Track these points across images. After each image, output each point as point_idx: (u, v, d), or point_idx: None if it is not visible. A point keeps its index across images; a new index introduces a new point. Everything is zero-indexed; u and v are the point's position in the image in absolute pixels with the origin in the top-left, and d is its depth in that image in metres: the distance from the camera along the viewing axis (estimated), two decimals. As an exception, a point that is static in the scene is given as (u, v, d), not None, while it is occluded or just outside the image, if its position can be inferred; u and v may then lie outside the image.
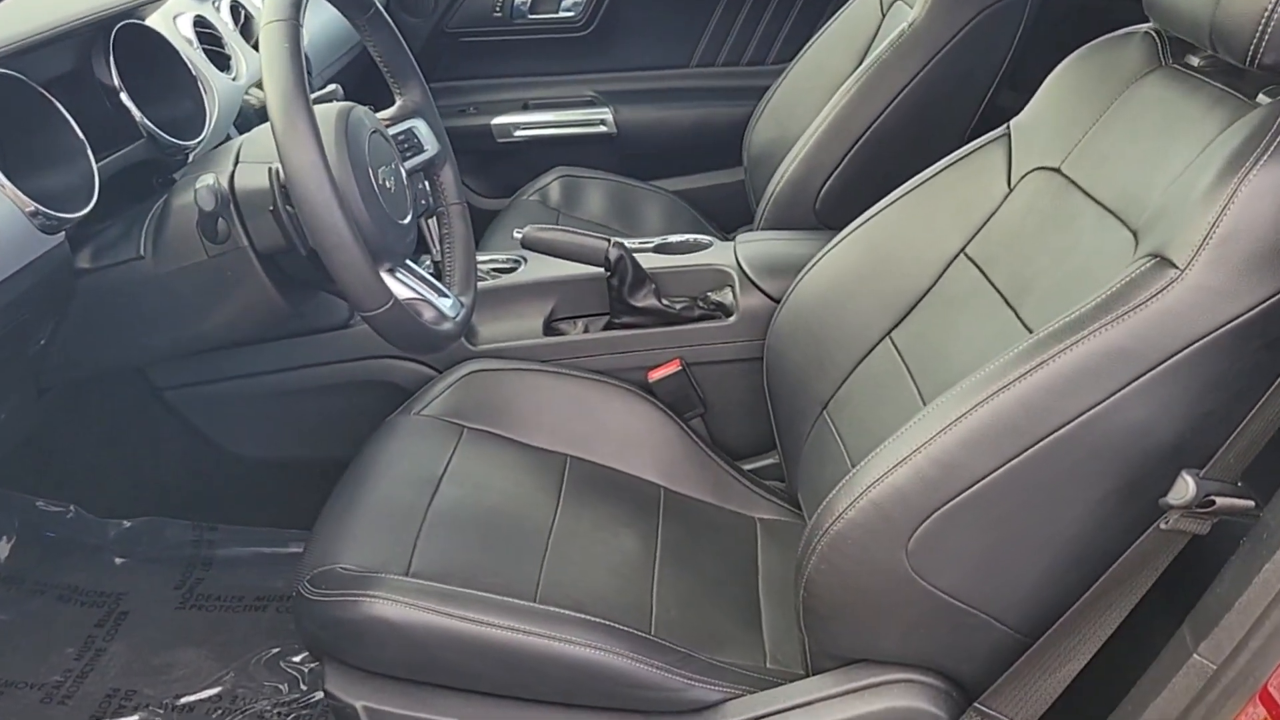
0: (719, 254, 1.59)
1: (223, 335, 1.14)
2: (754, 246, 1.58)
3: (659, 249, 1.67)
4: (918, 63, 1.60)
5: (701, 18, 2.35)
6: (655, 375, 1.52)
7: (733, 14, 2.34)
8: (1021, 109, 1.26)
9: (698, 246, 1.65)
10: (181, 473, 1.57)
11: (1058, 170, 1.18)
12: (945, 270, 1.26)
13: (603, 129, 2.36)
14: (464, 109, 2.40)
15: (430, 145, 1.26)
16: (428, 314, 1.13)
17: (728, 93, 2.39)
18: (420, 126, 1.25)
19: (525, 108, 2.39)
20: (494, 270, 1.64)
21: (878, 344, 1.32)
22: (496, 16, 2.31)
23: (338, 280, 0.97)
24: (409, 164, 1.22)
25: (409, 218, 1.13)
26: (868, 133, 1.63)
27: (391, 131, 1.22)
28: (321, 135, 1.01)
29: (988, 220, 1.24)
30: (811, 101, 2.06)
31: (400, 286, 1.13)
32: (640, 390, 1.50)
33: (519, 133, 2.37)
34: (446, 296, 1.18)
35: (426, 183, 1.29)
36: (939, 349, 1.24)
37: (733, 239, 1.72)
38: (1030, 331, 1.05)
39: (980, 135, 1.29)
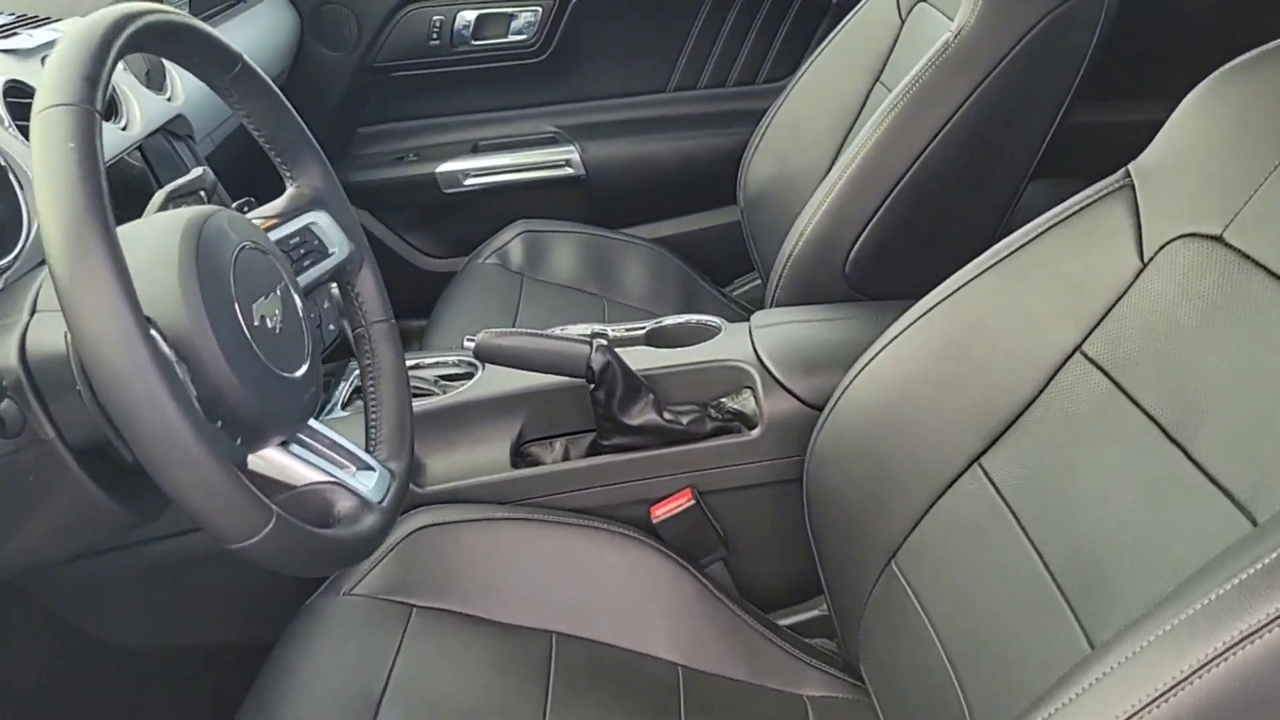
0: (732, 344, 1.26)
1: (33, 557, 0.80)
2: (776, 333, 1.25)
3: (653, 337, 1.34)
4: (969, 81, 1.28)
5: (677, 34, 2.03)
6: (661, 511, 1.19)
7: (714, 28, 2.02)
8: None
9: (703, 333, 1.33)
10: (47, 675, 1.23)
11: (1219, 239, 0.86)
12: (1055, 374, 0.94)
13: (568, 171, 2.04)
14: (402, 156, 2.06)
15: (338, 245, 0.93)
16: (342, 504, 0.80)
17: (714, 120, 2.06)
18: (322, 221, 0.92)
19: (475, 150, 2.06)
20: (443, 380, 1.31)
21: (963, 473, 1.00)
22: (433, 45, 1.99)
23: (180, 505, 0.64)
24: (307, 277, 0.89)
25: (305, 364, 0.80)
26: (909, 174, 1.31)
27: (281, 234, 0.89)
28: (152, 266, 0.69)
29: (1113, 306, 0.92)
30: (818, 129, 1.74)
31: (297, 465, 0.80)
32: (641, 533, 1.18)
33: (469, 181, 2.04)
34: (370, 469, 0.86)
35: (337, 296, 0.96)
36: (1058, 490, 0.91)
37: (745, 315, 1.41)
38: (1236, 504, 0.72)
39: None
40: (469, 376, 1.27)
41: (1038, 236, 0.96)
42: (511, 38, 1.99)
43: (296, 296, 0.82)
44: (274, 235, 0.88)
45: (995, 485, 0.97)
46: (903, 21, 1.66)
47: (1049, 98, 1.30)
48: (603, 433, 1.18)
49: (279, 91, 0.89)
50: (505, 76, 2.04)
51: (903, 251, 1.36)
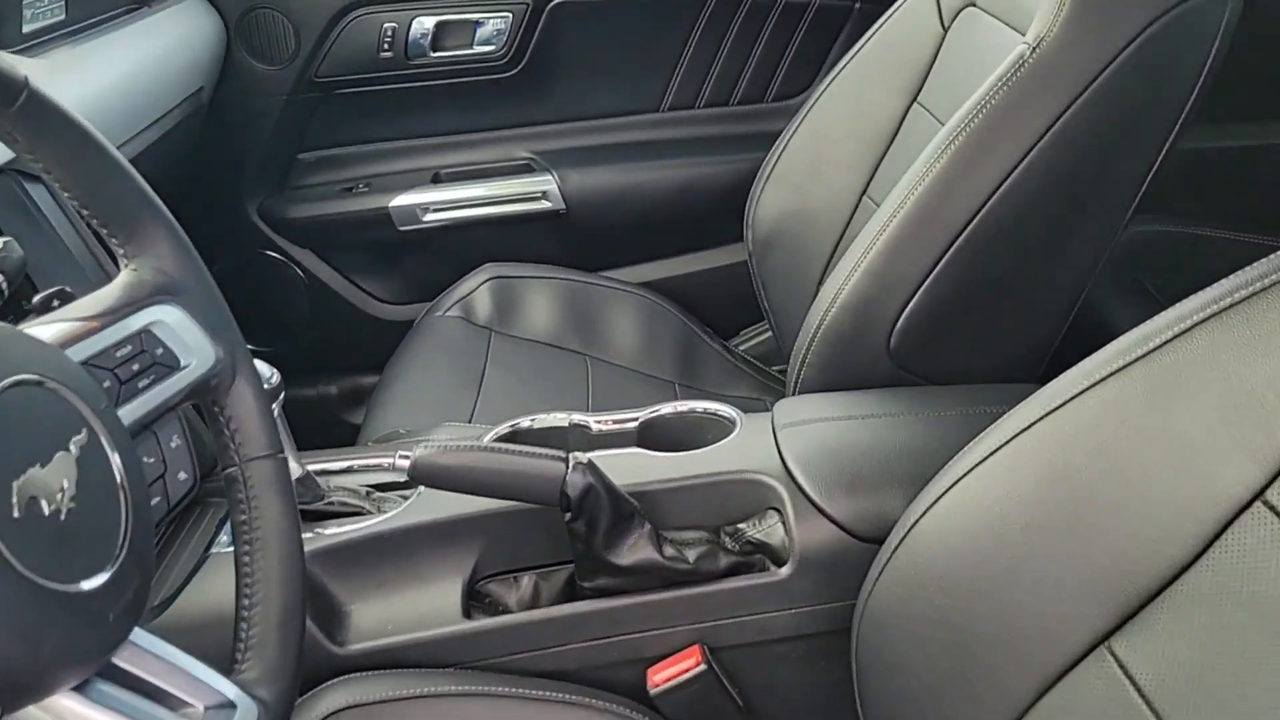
0: (751, 448, 0.97)
1: None
2: (809, 434, 0.96)
3: (648, 433, 1.06)
4: (1052, 106, 1.01)
5: (673, 44, 1.75)
6: (660, 677, 0.90)
7: (715, 38, 1.74)
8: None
9: (712, 428, 1.06)
10: None
11: None
12: (1225, 529, 0.67)
13: (545, 204, 1.75)
14: (351, 187, 1.78)
15: (196, 353, 0.65)
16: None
17: (716, 145, 1.79)
18: (171, 319, 0.64)
19: (436, 181, 1.77)
20: (377, 490, 1.04)
21: (1083, 658, 0.72)
22: (385, 57, 1.71)
23: None
24: (142, 405, 0.61)
25: (110, 567, 0.53)
26: (973, 222, 1.04)
27: (104, 343, 0.61)
28: None
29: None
30: (842, 157, 1.48)
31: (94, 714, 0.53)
32: (636, 706, 0.91)
33: (429, 216, 1.76)
34: (227, 705, 0.58)
35: (185, 432, 0.69)
36: (1227, 692, 0.65)
37: (765, 401, 1.15)
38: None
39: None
40: (411, 486, 1.00)
41: (1195, 326, 0.70)
42: (477, 49, 1.71)
43: (111, 450, 0.55)
44: (93, 346, 0.60)
45: (1132, 679, 0.69)
46: (945, 30, 1.40)
47: (1154, 123, 1.04)
48: (583, 573, 0.91)
49: (92, 129, 0.61)
50: (470, 94, 1.77)
51: (964, 320, 1.09)
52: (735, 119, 1.79)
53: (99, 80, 1.33)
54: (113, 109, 1.35)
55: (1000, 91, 1.02)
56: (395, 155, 1.80)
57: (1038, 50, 1.01)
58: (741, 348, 1.74)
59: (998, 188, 1.03)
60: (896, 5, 1.46)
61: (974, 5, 1.34)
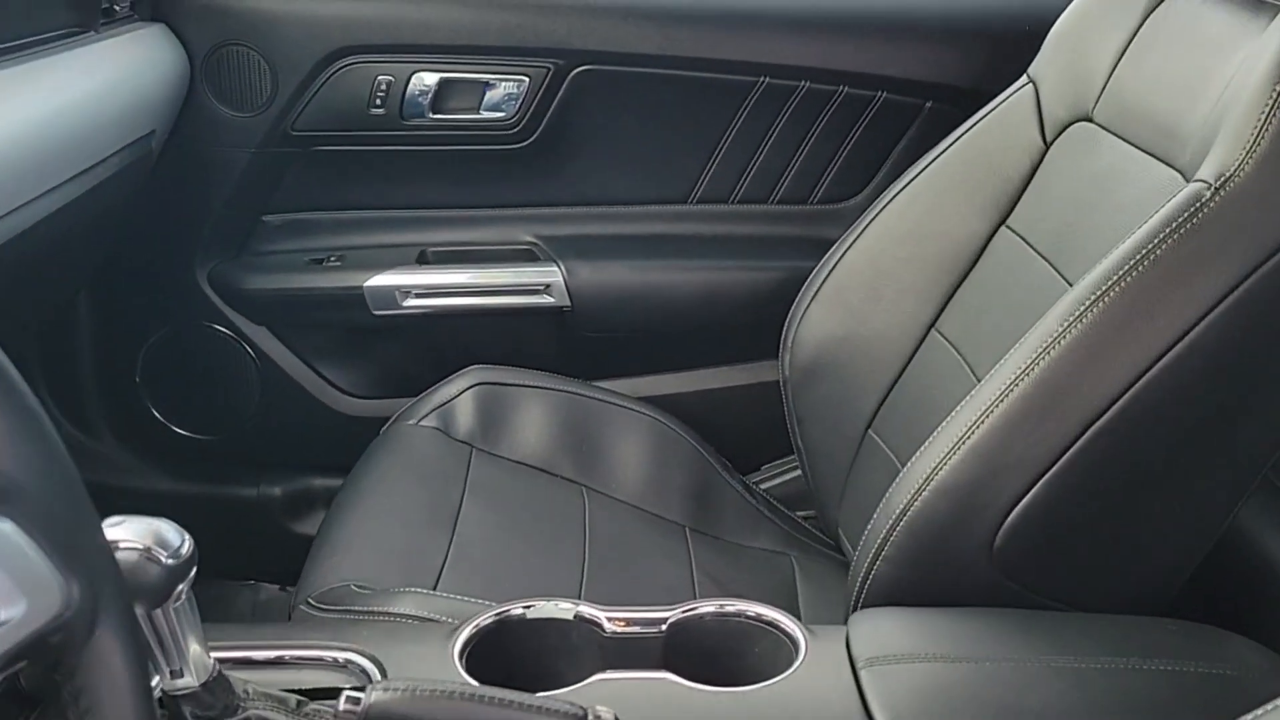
0: (821, 688, 0.71)
1: None
2: (903, 680, 0.71)
3: (678, 642, 0.82)
4: (1239, 263, 0.77)
5: (711, 127, 1.54)
6: None
7: (761, 124, 1.53)
8: None
9: (760, 638, 0.82)
10: None
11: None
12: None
13: (547, 299, 1.51)
14: (321, 259, 1.54)
15: (28, 593, 0.41)
16: None
17: (750, 247, 1.57)
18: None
19: (422, 261, 1.53)
20: (308, 705, 0.79)
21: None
22: (376, 114, 1.47)
23: None
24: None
25: None
26: (1121, 401, 0.80)
27: None
28: None
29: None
30: (909, 280, 1.26)
31: None
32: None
33: (410, 302, 1.51)
34: None
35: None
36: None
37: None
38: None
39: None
40: (360, 691, 0.75)
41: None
42: (485, 114, 1.49)
43: None
44: None
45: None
46: (1048, 145, 1.19)
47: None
48: None
49: None
50: (471, 164, 1.54)
51: (1093, 525, 0.85)
52: (774, 220, 1.57)
53: (21, 114, 1.10)
54: (36, 150, 1.11)
55: (1168, 242, 0.80)
56: (377, 226, 1.56)
57: (1222, 192, 0.79)
58: (764, 486, 1.50)
59: (1156, 361, 0.80)
60: (986, 110, 1.26)
61: (1089, 120, 1.14)
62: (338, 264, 1.54)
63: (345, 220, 1.57)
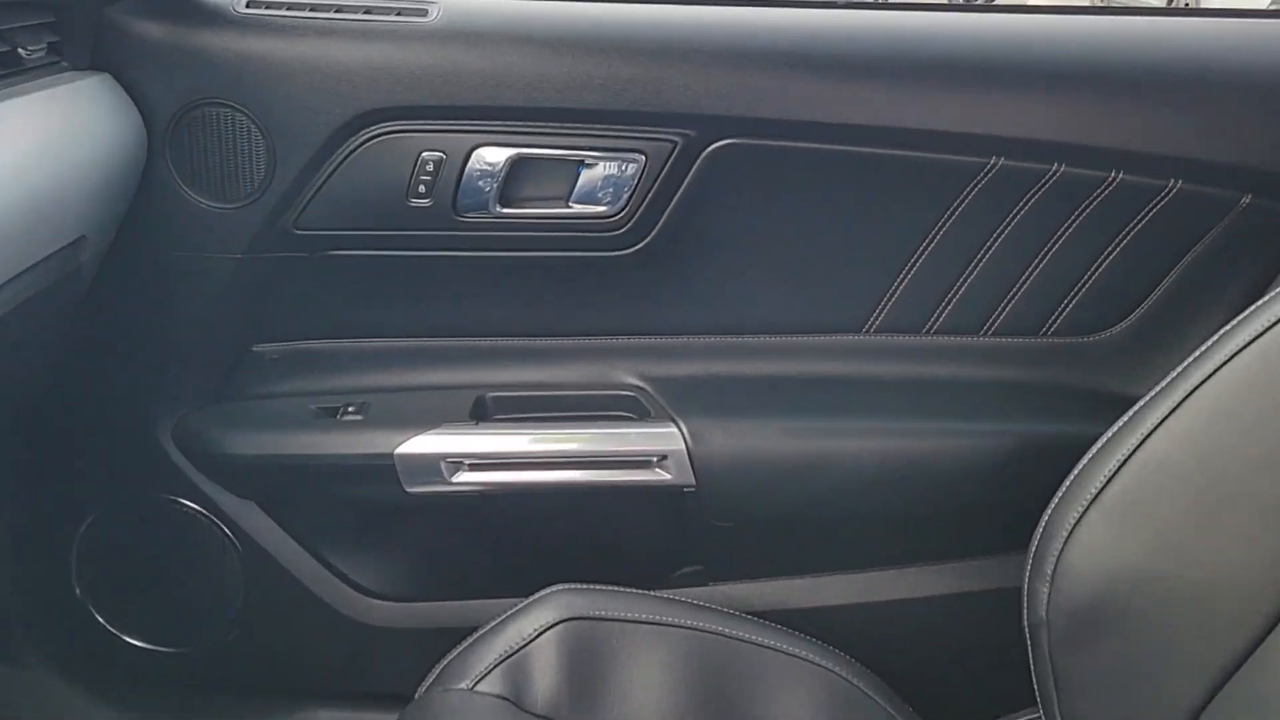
0: None
1: None
2: None
3: None
4: None
5: (905, 228, 1.08)
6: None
7: (982, 222, 1.06)
8: None
9: None
10: None
11: None
12: None
13: (661, 475, 1.04)
14: (335, 408, 1.09)
15: None
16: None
17: (960, 397, 1.10)
18: None
19: (480, 415, 1.09)
20: None
21: None
22: (419, 207, 1.02)
23: None
24: None
25: None
26: None
27: None
28: None
29: None
30: (1267, 492, 0.82)
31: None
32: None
33: (463, 477, 1.04)
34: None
35: None
36: None
37: None
38: None
39: None
40: None
41: None
42: (577, 207, 1.03)
43: None
44: None
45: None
46: None
47: None
48: None
49: None
50: (556, 277, 1.10)
51: None
52: (995, 359, 1.10)
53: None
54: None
55: None
56: (416, 362, 1.12)
57: None
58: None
59: None
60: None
61: None
62: (358, 417, 1.09)
63: (370, 353, 1.12)
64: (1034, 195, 1.04)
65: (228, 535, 1.14)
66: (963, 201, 1.05)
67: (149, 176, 1.01)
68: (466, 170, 1.02)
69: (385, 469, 1.07)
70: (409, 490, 1.07)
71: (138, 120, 0.99)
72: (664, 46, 1.01)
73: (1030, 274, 1.07)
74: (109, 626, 1.18)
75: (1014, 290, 1.08)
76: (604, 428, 1.08)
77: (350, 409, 1.10)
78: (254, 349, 1.12)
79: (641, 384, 1.11)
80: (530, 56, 1.01)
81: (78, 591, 1.16)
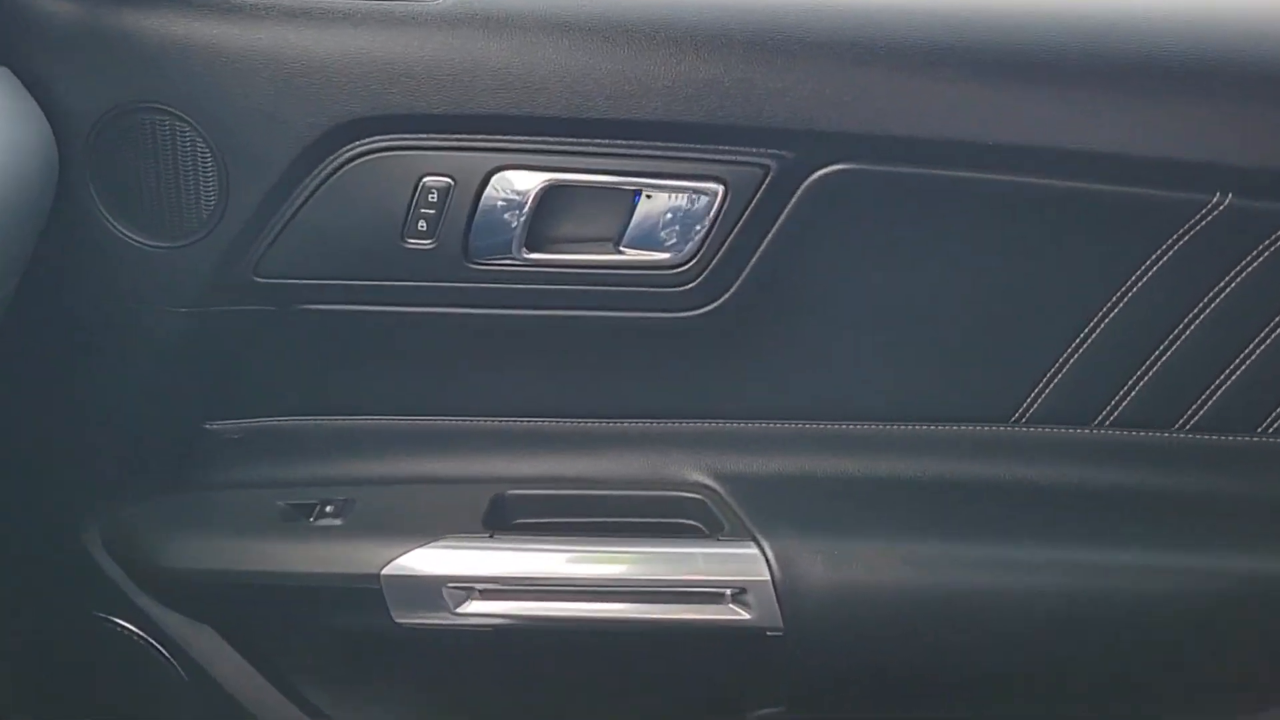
0: None
1: None
2: None
3: None
4: None
5: (1076, 285, 0.78)
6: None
7: (1186, 279, 0.77)
8: None
9: None
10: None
11: None
12: None
13: (737, 614, 0.77)
14: (309, 509, 0.83)
15: None
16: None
17: (1157, 511, 0.80)
18: None
19: (497, 521, 0.82)
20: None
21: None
22: (418, 249, 0.75)
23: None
24: None
25: None
26: None
27: None
28: None
29: None
30: None
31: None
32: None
33: (474, 607, 0.78)
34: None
35: None
36: None
37: None
38: None
39: None
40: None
41: None
42: (630, 253, 0.77)
43: None
44: None
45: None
46: None
47: None
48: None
49: None
50: (600, 343, 0.83)
51: None
52: (1209, 461, 0.80)
53: None
54: None
55: None
56: (412, 447, 0.86)
57: None
58: None
59: None
60: None
61: None
62: (336, 521, 0.82)
63: (355, 434, 0.86)
64: (1269, 248, 0.77)
65: (172, 664, 0.90)
66: (1167, 253, 0.76)
67: (64, 205, 0.76)
68: (483, 201, 0.75)
69: (369, 594, 0.81)
70: (399, 622, 0.83)
71: (46, 130, 0.74)
72: (754, 37, 0.74)
73: (1254, 350, 0.79)
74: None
75: (1230, 371, 0.80)
76: (660, 545, 0.81)
77: (329, 509, 0.85)
78: (208, 427, 0.87)
79: (711, 484, 0.84)
80: (571, 50, 0.74)
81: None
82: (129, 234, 0.78)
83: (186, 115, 0.75)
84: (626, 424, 0.86)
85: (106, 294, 0.80)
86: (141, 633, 0.88)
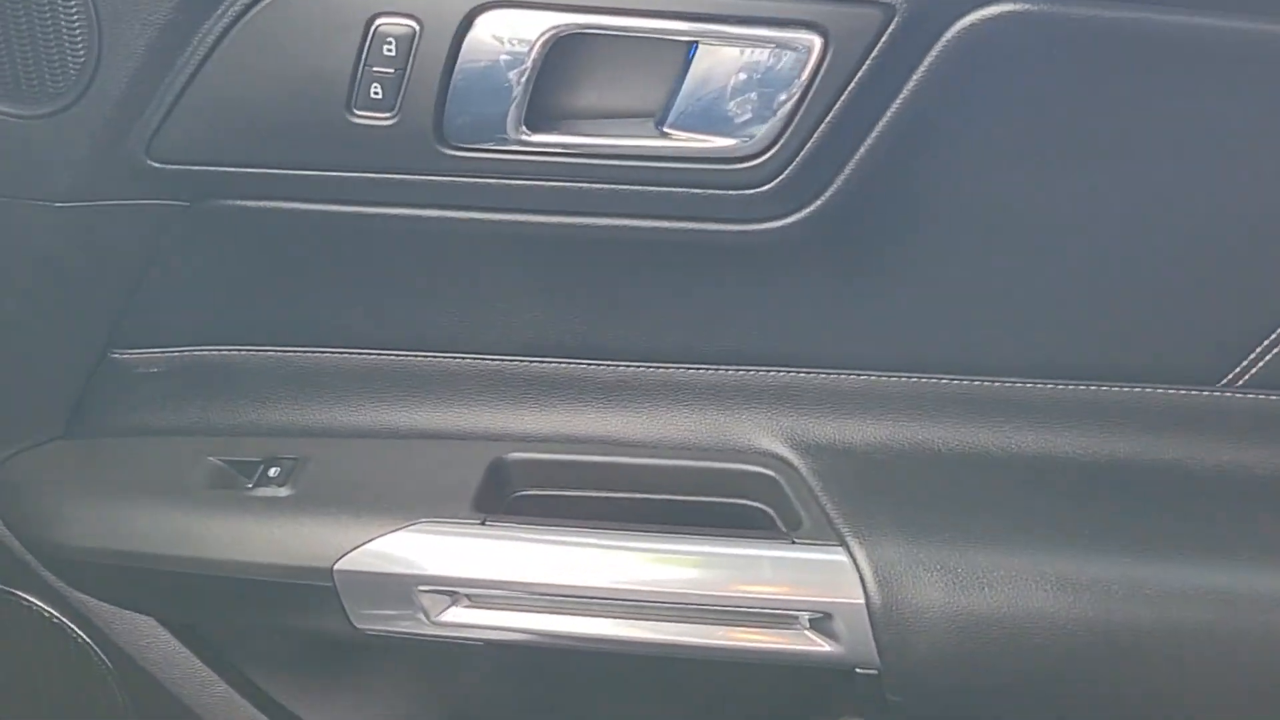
0: None
1: None
2: None
3: None
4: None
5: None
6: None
7: None
8: None
9: None
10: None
11: None
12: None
13: (814, 645, 0.55)
14: (249, 468, 0.62)
15: None
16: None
17: None
18: None
19: (493, 495, 0.61)
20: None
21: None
22: (372, 123, 0.52)
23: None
24: None
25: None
26: None
27: None
28: None
29: None
30: None
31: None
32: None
33: (457, 615, 0.57)
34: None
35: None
36: None
37: None
38: None
39: None
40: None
41: None
42: (678, 136, 0.52)
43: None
44: None
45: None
46: None
47: None
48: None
49: None
50: (632, 261, 0.59)
51: None
52: None
53: None
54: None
55: None
56: (381, 389, 0.65)
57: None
58: None
59: None
60: None
61: None
62: (281, 490, 0.62)
63: (307, 371, 0.65)
64: None
65: (96, 652, 0.73)
66: None
67: None
68: (462, 56, 0.52)
69: (320, 591, 0.62)
70: (359, 627, 0.64)
71: None
72: None
73: None
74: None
75: None
76: (713, 543, 0.60)
77: (272, 472, 0.65)
78: (115, 356, 0.66)
79: (788, 455, 0.62)
80: None
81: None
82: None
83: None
84: (673, 370, 0.63)
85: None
86: (53, 610, 0.71)
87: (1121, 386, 0.60)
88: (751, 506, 0.63)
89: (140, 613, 0.69)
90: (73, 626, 0.72)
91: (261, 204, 0.58)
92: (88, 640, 0.72)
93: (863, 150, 0.53)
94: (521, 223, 0.57)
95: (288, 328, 0.65)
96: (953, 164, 0.55)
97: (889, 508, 0.59)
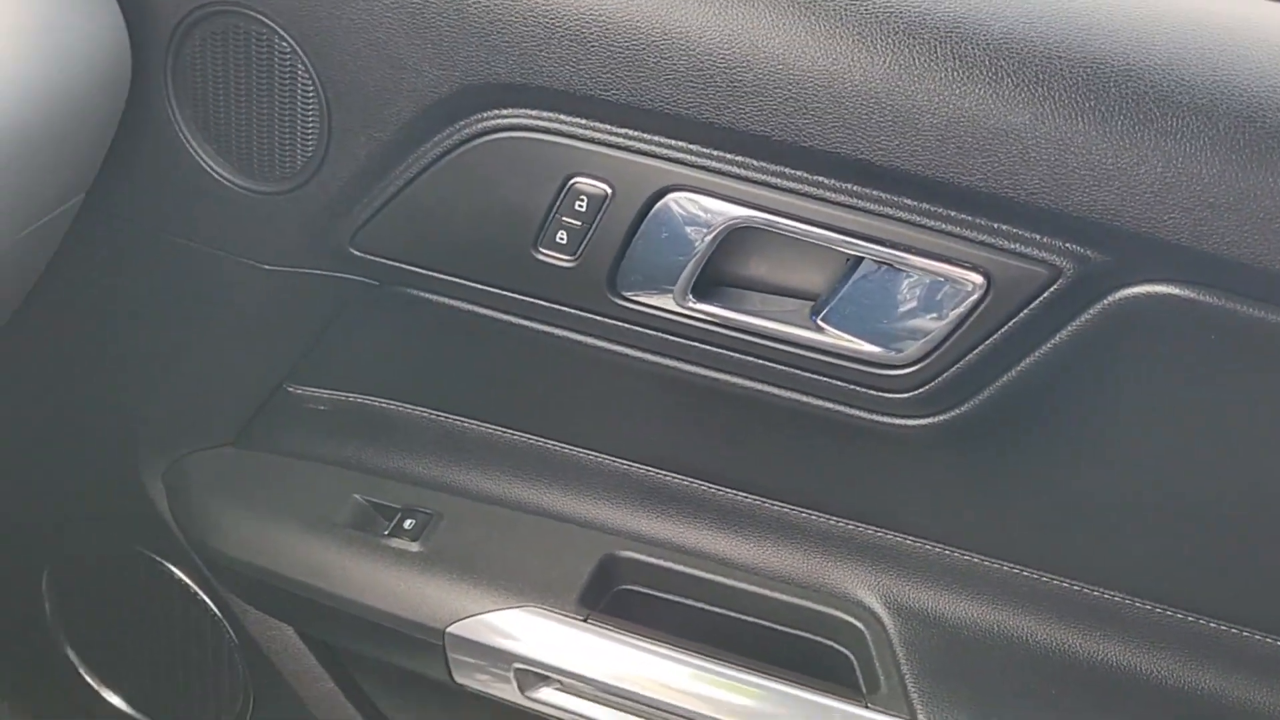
0: None
1: None
2: None
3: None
4: None
5: None
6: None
7: None
8: None
9: None
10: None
11: None
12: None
13: None
14: (389, 513, 0.70)
15: None
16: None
17: None
18: None
19: (599, 588, 0.66)
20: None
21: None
22: (553, 263, 0.57)
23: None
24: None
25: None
26: None
27: None
28: None
29: None
30: None
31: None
32: None
33: (546, 695, 0.65)
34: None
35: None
36: None
37: None
38: None
39: None
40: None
41: None
42: (832, 333, 0.56)
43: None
44: None
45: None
46: None
47: None
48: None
49: None
50: (760, 423, 0.62)
51: None
52: None
53: None
54: None
55: None
56: (516, 467, 0.71)
57: None
58: None
59: None
60: None
61: None
62: (412, 545, 0.69)
63: (451, 434, 0.72)
64: None
65: (226, 629, 0.81)
66: None
67: (137, 116, 0.62)
68: (646, 224, 0.57)
69: (431, 647, 0.69)
70: (460, 682, 0.71)
71: (122, 32, 0.59)
72: (1090, 79, 0.51)
73: None
74: (86, 676, 0.90)
75: None
76: (794, 688, 0.64)
77: (407, 524, 0.72)
78: (289, 389, 0.74)
79: (879, 610, 0.66)
80: (811, 41, 0.54)
81: (53, 634, 0.89)
82: (214, 167, 0.62)
83: (284, 29, 0.58)
84: (788, 510, 0.68)
85: (175, 226, 0.66)
86: (195, 586, 0.80)
87: (1221, 625, 0.63)
88: (835, 650, 0.68)
89: (274, 618, 0.77)
90: (209, 603, 0.81)
91: (443, 299, 0.64)
92: (221, 618, 0.81)
93: (1004, 379, 0.56)
94: (676, 369, 0.62)
95: (444, 396, 0.72)
96: (1087, 411, 0.57)
97: (966, 692, 0.63)
